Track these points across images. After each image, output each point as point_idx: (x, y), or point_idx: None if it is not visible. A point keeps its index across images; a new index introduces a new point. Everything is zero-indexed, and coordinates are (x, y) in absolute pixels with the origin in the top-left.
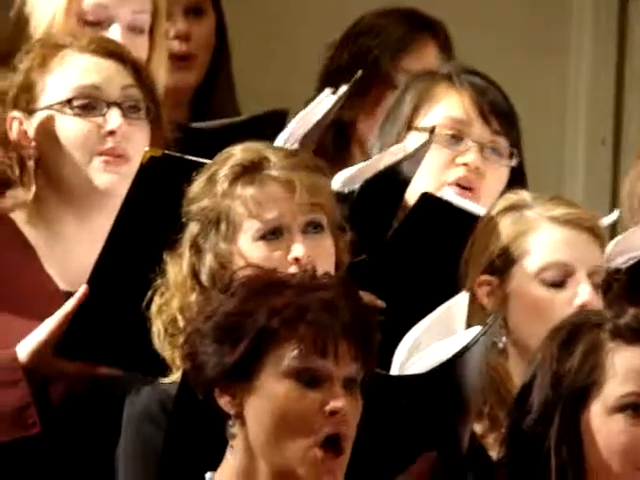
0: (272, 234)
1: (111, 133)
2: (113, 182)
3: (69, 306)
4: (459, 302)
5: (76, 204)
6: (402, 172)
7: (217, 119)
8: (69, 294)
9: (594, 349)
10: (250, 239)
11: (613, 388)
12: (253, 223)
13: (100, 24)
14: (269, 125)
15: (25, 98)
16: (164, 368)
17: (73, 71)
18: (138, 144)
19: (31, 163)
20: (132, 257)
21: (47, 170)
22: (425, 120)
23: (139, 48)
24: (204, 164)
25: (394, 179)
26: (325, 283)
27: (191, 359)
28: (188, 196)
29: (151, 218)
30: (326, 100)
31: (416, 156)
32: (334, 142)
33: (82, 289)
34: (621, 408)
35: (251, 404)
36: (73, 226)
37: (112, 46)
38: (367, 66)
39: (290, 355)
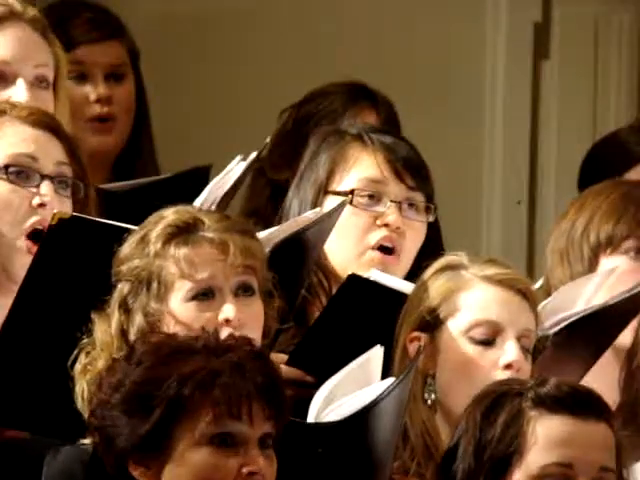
0: (203, 295)
1: (42, 205)
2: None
3: None
4: (374, 355)
5: None
6: (313, 235)
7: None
8: None
9: (515, 418)
10: (181, 299)
11: (535, 458)
12: (185, 283)
13: (5, 80)
14: (192, 182)
15: None
16: (85, 428)
17: (12, 139)
18: None
19: None
20: (44, 317)
21: None
22: (342, 185)
23: (46, 102)
24: (114, 226)
25: (304, 242)
26: (231, 345)
27: (100, 432)
28: (118, 257)
29: (65, 278)
30: (237, 167)
31: (330, 218)
32: (271, 203)
33: None
34: (543, 478)
35: (168, 473)
36: None
37: (51, 120)
38: (309, 131)
39: (204, 421)
